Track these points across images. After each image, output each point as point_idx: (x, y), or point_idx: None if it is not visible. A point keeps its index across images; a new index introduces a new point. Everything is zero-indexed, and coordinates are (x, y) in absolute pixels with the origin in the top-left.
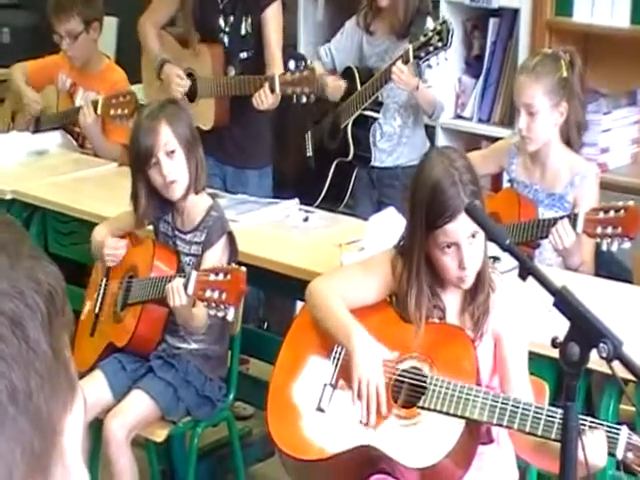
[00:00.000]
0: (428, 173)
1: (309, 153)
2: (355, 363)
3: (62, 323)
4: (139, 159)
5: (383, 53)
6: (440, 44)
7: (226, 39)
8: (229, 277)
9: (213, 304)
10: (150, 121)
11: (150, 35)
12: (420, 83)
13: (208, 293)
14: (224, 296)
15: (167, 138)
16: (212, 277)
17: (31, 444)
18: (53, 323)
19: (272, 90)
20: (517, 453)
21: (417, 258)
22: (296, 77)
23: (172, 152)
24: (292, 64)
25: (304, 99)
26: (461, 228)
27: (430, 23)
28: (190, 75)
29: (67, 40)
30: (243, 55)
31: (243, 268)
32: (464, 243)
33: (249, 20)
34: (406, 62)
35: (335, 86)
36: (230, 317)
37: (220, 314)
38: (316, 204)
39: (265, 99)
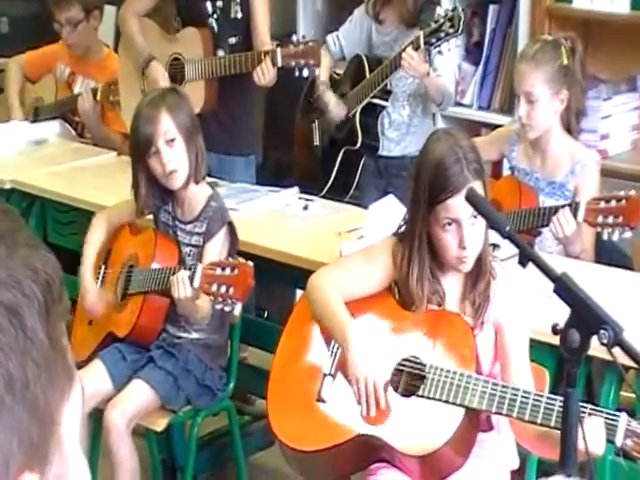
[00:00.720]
0: (432, 151)
1: (316, 142)
2: (350, 363)
3: (59, 312)
4: (139, 148)
5: (392, 42)
6: (452, 30)
7: (215, 24)
8: (236, 272)
9: (220, 299)
10: (150, 109)
11: (133, 26)
12: (430, 70)
13: (215, 287)
14: (231, 291)
15: (167, 126)
16: (219, 271)
17: (28, 433)
18: (50, 312)
19: (274, 64)
20: (520, 443)
21: (419, 235)
22: (299, 49)
23: (172, 141)
24: (294, 37)
25: (306, 72)
26: (463, 205)
27: (440, 10)
28: (176, 60)
29: (67, 28)
30: (232, 40)
31: (250, 263)
32: (465, 221)
33: (238, 4)
34: (416, 48)
35: (335, 112)
36: (237, 312)
37: (227, 308)
38: (322, 193)
39: (267, 73)
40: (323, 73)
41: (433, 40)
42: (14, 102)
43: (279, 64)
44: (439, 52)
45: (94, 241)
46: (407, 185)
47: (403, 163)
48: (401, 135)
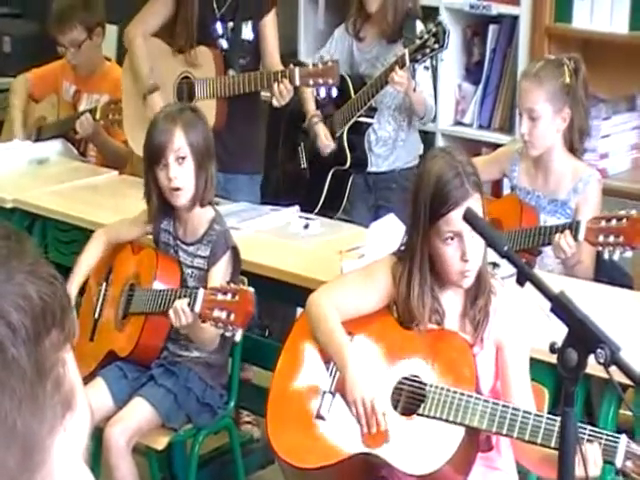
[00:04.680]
0: (431, 168)
1: (303, 165)
2: (348, 385)
3: (58, 339)
4: (151, 157)
5: (374, 59)
6: (436, 45)
7: (225, 44)
8: (237, 298)
9: (220, 324)
10: (166, 122)
11: (139, 50)
12: (415, 84)
13: (216, 313)
14: (232, 317)
15: (180, 144)
16: (220, 297)
17: (4, 462)
18: (41, 340)
19: (292, 83)
20: (524, 465)
21: (420, 252)
22: (319, 69)
23: (182, 159)
24: (304, 37)
25: (324, 93)
26: None
27: (420, 25)
28: (185, 78)
29: (71, 50)
30: (242, 61)
31: (251, 289)
32: (467, 234)
33: (249, 26)
34: (402, 66)
35: (325, 145)
36: (238, 338)
37: (228, 334)
38: (314, 212)
39: (285, 93)
40: (310, 103)
41: (418, 57)
42: (17, 120)
43: (297, 83)
44: (425, 67)
45: (91, 252)
46: (397, 198)
47: (392, 177)
48: (389, 150)
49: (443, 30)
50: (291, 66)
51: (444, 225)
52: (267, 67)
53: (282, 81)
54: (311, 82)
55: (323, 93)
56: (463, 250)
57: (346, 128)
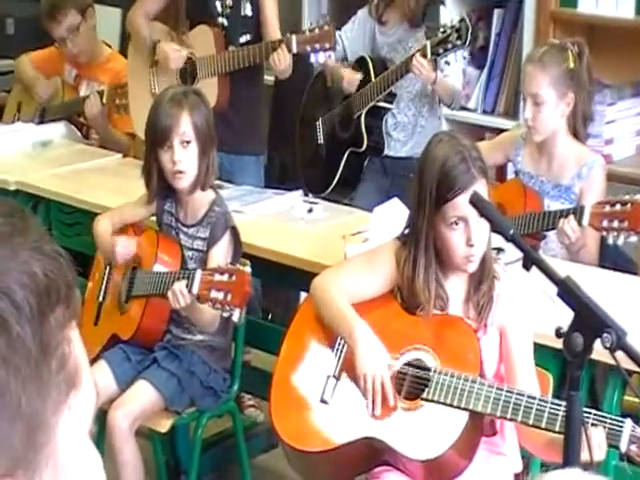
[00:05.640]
0: (437, 151)
1: (320, 141)
2: (358, 360)
3: (63, 316)
4: (155, 139)
5: (396, 43)
6: (459, 42)
7: (225, 22)
8: (234, 278)
9: (218, 305)
10: (173, 105)
11: (141, 27)
12: (439, 73)
13: (213, 293)
14: (229, 297)
15: (186, 128)
16: (217, 277)
17: (8, 440)
18: (46, 318)
19: (289, 50)
20: (529, 450)
21: (425, 237)
22: (315, 34)
23: (187, 142)
24: (309, 23)
25: (322, 57)
26: None
27: (444, 11)
28: (188, 60)
29: (70, 37)
30: (243, 38)
31: (248, 269)
32: (472, 219)
33: (248, 1)
34: (424, 56)
35: (351, 79)
36: (236, 318)
37: (225, 314)
38: (326, 192)
39: (283, 59)
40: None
41: (440, 50)
42: (37, 79)
43: (294, 50)
44: (446, 62)
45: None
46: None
47: (411, 164)
48: (407, 135)
49: (466, 27)
50: (288, 34)
51: (450, 210)
52: (267, 41)
53: (280, 48)
54: (308, 48)
55: (322, 58)
56: (468, 235)
57: (364, 111)
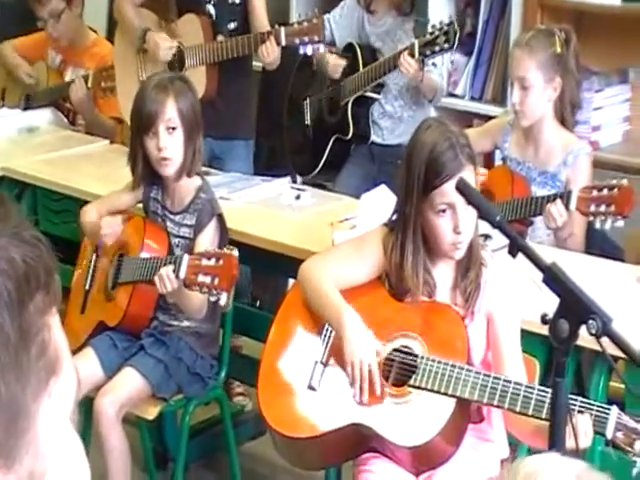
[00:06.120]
0: (425, 137)
1: (307, 121)
2: (346, 346)
3: (43, 302)
4: (140, 125)
5: (384, 34)
6: (446, 46)
7: (213, 10)
8: (221, 262)
9: (205, 289)
10: (158, 91)
11: (129, 12)
12: (425, 71)
13: (200, 278)
14: (216, 281)
15: (171, 114)
16: (204, 262)
17: None
18: (25, 304)
19: (278, 43)
20: (516, 437)
21: (412, 223)
22: (304, 27)
23: (173, 129)
24: (297, 12)
25: (310, 49)
26: None
27: (436, 21)
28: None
29: (51, 21)
30: (231, 26)
31: (235, 252)
32: (460, 206)
33: None
34: (411, 55)
35: (336, 64)
36: (223, 302)
37: (212, 299)
38: (313, 174)
39: (271, 51)
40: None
41: (427, 52)
42: (20, 64)
43: (283, 43)
44: (433, 64)
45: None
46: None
47: (398, 152)
48: (394, 124)
49: (454, 31)
50: (277, 26)
51: (438, 197)
52: (256, 30)
53: (269, 40)
54: (297, 41)
55: (310, 51)
56: (456, 222)
57: (352, 99)
